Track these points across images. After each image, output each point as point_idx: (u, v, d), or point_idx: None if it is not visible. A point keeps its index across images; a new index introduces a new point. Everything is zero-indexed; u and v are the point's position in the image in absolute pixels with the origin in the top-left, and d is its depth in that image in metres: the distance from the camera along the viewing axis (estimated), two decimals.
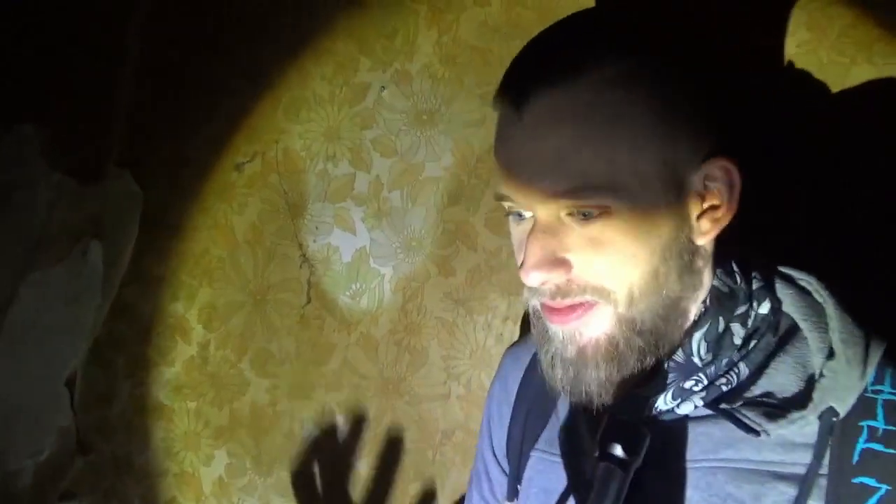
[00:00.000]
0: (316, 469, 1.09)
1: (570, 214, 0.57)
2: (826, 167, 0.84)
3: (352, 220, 1.08)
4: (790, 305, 0.62)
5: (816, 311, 0.60)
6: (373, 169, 1.08)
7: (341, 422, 1.08)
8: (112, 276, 1.24)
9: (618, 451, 0.55)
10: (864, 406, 0.56)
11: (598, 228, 0.56)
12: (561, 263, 0.58)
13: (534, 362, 0.77)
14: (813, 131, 0.84)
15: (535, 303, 0.62)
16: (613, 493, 0.54)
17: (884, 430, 0.54)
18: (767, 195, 0.82)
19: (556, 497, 0.66)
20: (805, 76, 0.86)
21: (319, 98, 1.11)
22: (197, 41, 1.19)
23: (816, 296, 0.61)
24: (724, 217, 0.60)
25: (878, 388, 0.56)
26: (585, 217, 0.56)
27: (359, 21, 1.09)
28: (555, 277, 0.58)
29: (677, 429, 0.61)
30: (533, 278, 0.58)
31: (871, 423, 0.55)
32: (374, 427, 1.07)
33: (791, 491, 0.55)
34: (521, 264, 0.59)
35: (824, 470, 0.55)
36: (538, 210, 0.58)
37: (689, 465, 0.59)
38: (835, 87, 0.85)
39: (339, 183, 1.09)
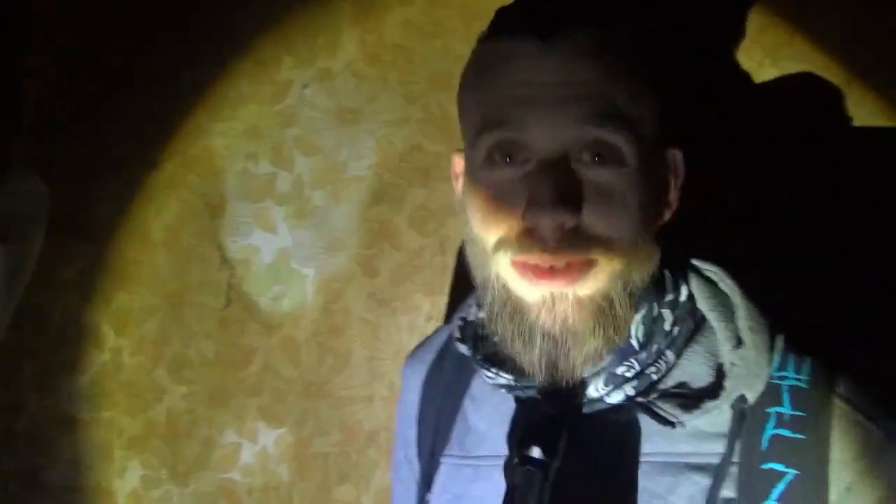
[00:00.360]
0: (237, 477, 1.06)
1: (578, 159, 0.55)
2: (737, 162, 0.87)
3: (273, 220, 1.05)
4: (700, 297, 0.62)
5: (723, 302, 0.61)
6: (295, 168, 1.06)
7: (262, 427, 1.05)
8: (17, 281, 1.18)
9: (536, 453, 0.54)
10: (770, 393, 0.57)
11: (608, 176, 0.55)
12: (575, 206, 0.54)
13: (438, 361, 0.74)
14: (725, 130, 0.88)
15: (502, 262, 0.56)
16: (535, 498, 0.53)
17: (790, 415, 0.55)
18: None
19: (470, 501, 0.64)
20: (715, 79, 0.90)
21: (241, 96, 1.08)
22: (113, 34, 1.14)
23: (723, 286, 0.62)
24: (672, 203, 0.63)
25: (783, 374, 0.58)
26: (599, 160, 0.55)
27: (282, 18, 1.07)
28: (570, 220, 0.54)
29: (597, 423, 0.60)
30: (549, 219, 0.53)
31: (779, 409, 0.56)
32: (297, 431, 1.04)
33: (705, 481, 0.56)
34: (534, 201, 0.54)
35: (735, 458, 0.56)
36: (553, 140, 0.55)
37: (602, 460, 0.59)
38: (745, 88, 0.89)
39: (260, 182, 1.06)
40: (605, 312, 0.56)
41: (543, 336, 0.56)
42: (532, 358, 0.57)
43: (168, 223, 1.10)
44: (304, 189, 1.05)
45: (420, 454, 0.73)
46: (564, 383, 0.58)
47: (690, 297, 0.62)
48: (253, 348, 1.06)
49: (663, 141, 0.61)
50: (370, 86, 1.03)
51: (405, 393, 0.78)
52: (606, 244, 0.55)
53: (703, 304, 0.62)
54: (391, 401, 1.00)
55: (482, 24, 0.66)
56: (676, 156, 0.63)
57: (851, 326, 0.79)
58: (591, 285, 0.55)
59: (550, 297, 0.56)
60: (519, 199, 0.55)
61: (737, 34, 0.88)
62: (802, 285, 0.79)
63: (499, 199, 0.57)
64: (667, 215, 0.62)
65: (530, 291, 0.56)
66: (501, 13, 0.63)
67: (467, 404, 0.69)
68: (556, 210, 0.53)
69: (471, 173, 0.60)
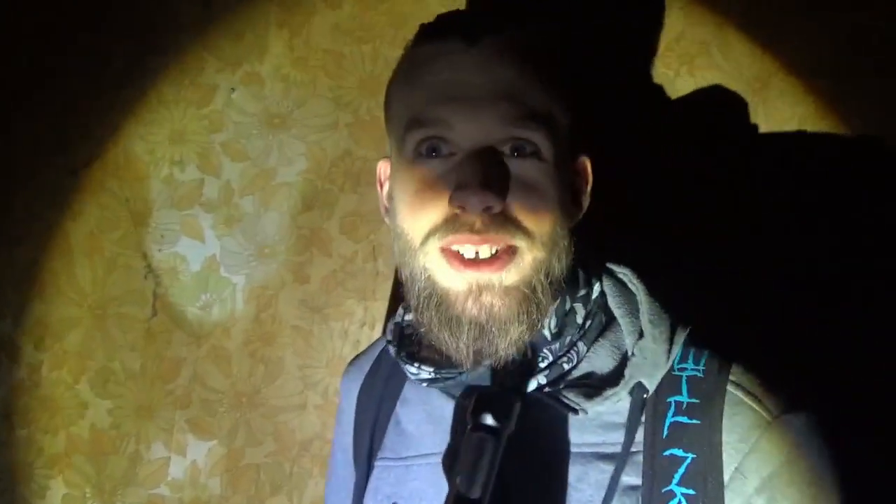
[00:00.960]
0: (165, 492, 1.03)
1: (501, 151, 0.59)
2: (653, 167, 0.90)
3: (200, 227, 1.03)
4: (610, 294, 0.66)
5: (629, 299, 0.65)
6: (223, 174, 1.04)
7: (191, 440, 1.02)
8: None
9: (489, 419, 0.55)
10: (670, 384, 0.60)
11: (528, 168, 0.59)
12: (502, 188, 0.57)
13: (375, 369, 0.76)
14: (641, 136, 0.91)
15: (431, 252, 0.59)
16: (487, 462, 0.54)
17: (688, 402, 0.59)
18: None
19: (401, 501, 0.65)
20: (636, 87, 0.93)
21: (163, 98, 1.06)
22: (24, 34, 1.09)
23: (630, 286, 0.66)
24: (584, 205, 0.67)
25: (683, 366, 0.61)
26: (519, 153, 0.59)
27: (205, 19, 1.05)
28: (497, 203, 0.57)
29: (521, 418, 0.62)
30: (477, 200, 0.56)
31: (677, 398, 0.59)
32: (228, 443, 1.02)
33: (610, 468, 0.58)
34: (462, 185, 0.56)
35: (640, 447, 0.59)
36: (478, 136, 0.58)
37: (524, 451, 0.61)
38: (662, 96, 0.92)
39: (186, 189, 1.04)
40: (528, 300, 0.59)
41: (470, 324, 0.58)
42: (459, 346, 0.59)
43: (88, 230, 1.07)
44: (232, 195, 1.03)
45: (356, 461, 0.74)
46: (490, 368, 0.60)
47: (602, 294, 0.66)
48: (181, 359, 1.04)
49: (574, 146, 0.65)
50: (299, 90, 1.02)
51: (343, 401, 0.80)
52: (529, 232, 0.59)
53: (613, 301, 0.65)
54: (325, 409, 1.00)
55: (412, 29, 0.68)
56: (586, 162, 0.68)
57: (749, 321, 0.83)
58: (515, 274, 0.58)
59: (476, 287, 0.58)
60: (446, 187, 0.58)
61: (654, 43, 0.91)
62: (706, 284, 0.83)
63: (427, 190, 0.60)
64: (578, 216, 0.67)
65: (456, 281, 0.59)
66: (429, 22, 0.66)
67: (399, 408, 0.71)
68: (483, 191, 0.56)
69: (398, 170, 0.63)
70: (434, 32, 0.63)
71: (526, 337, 0.59)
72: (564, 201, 0.62)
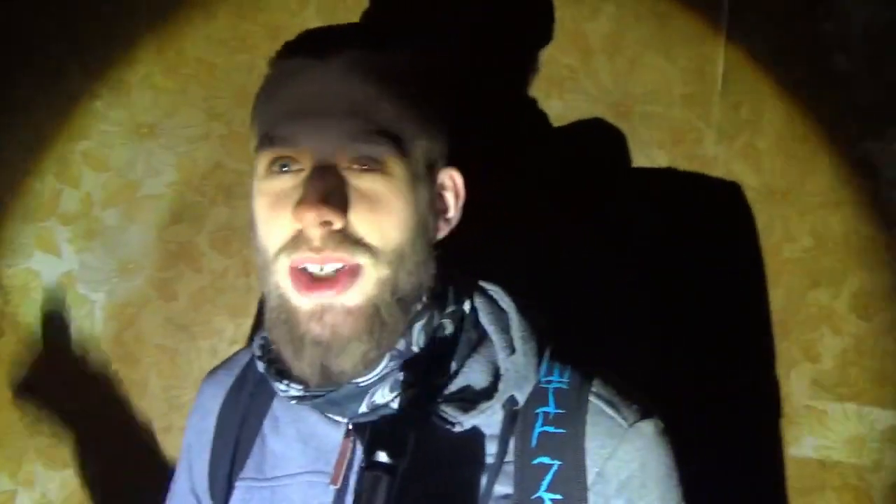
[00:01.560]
0: None
1: (347, 167, 0.59)
2: (523, 186, 0.94)
3: (56, 241, 0.97)
4: (482, 312, 0.67)
5: (501, 317, 0.67)
6: (83, 185, 0.98)
7: (41, 470, 0.95)
8: None
9: (383, 457, 0.55)
10: (538, 396, 0.63)
11: (374, 182, 0.59)
12: (340, 207, 0.58)
13: (239, 384, 0.74)
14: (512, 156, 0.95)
15: (281, 270, 0.59)
16: (382, 500, 0.54)
17: (554, 413, 0.62)
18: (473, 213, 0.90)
19: None
20: (508, 109, 0.96)
21: (20, 104, 0.99)
22: None
23: (502, 303, 0.68)
24: (452, 220, 0.68)
25: (549, 378, 0.65)
26: (366, 168, 0.59)
27: (71, 22, 1.00)
28: (335, 218, 0.57)
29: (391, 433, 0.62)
30: (312, 216, 0.56)
31: (545, 409, 0.62)
32: (83, 473, 0.96)
33: (485, 480, 0.60)
34: (301, 201, 0.57)
35: (511, 457, 0.61)
36: (328, 150, 0.59)
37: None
38: (532, 119, 0.96)
39: (41, 200, 0.98)
40: (372, 319, 0.59)
41: (313, 344, 0.59)
42: (302, 365, 0.60)
43: None
44: (93, 208, 0.98)
45: (212, 483, 0.71)
46: (343, 388, 0.61)
47: (474, 310, 0.67)
48: (32, 383, 0.97)
49: (438, 161, 0.67)
50: (169, 99, 0.99)
51: (200, 419, 0.76)
52: (372, 249, 0.59)
53: (485, 318, 0.67)
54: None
55: (288, 40, 0.68)
56: (455, 177, 0.69)
57: (609, 336, 0.89)
58: (357, 294, 0.59)
59: (320, 308, 0.59)
60: (292, 203, 0.58)
61: (525, 66, 0.96)
62: (571, 301, 0.87)
63: (276, 206, 0.60)
64: (444, 230, 0.68)
65: (302, 301, 0.59)
66: (287, 41, 0.67)
67: (267, 426, 0.70)
68: (319, 208, 0.56)
69: (256, 185, 0.63)
70: (292, 49, 0.64)
71: (373, 355, 0.60)
72: (418, 217, 0.62)
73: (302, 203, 0.57)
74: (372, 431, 0.57)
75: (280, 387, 0.64)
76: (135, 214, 0.98)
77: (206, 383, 0.78)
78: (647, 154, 0.95)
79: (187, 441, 0.77)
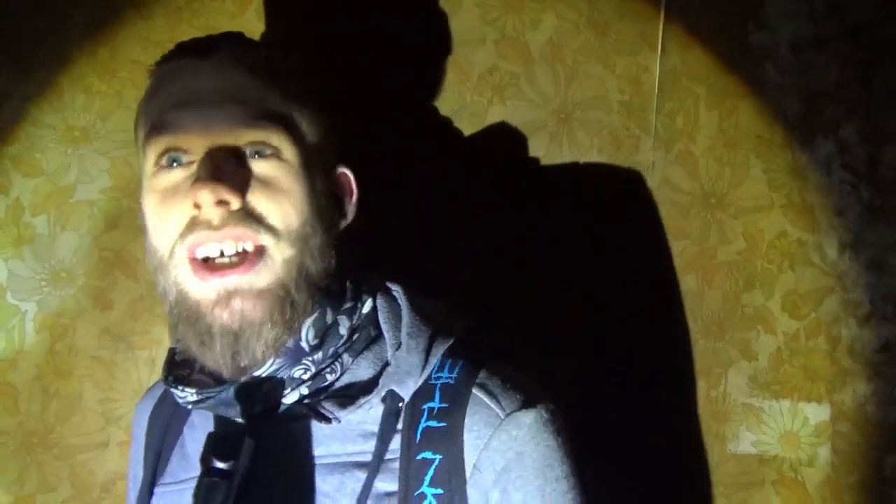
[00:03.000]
0: None
1: (243, 154, 0.60)
2: (463, 189, 0.96)
3: None
4: (380, 309, 0.69)
5: (396, 314, 0.69)
6: (12, 191, 0.96)
7: None
8: None
9: (217, 463, 0.56)
10: (425, 392, 0.64)
11: (269, 168, 0.61)
12: (237, 187, 0.58)
13: (164, 397, 0.75)
14: (456, 159, 0.97)
15: (180, 263, 0.59)
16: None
17: (438, 407, 0.63)
18: (391, 216, 0.92)
19: None
20: (452, 113, 0.99)
21: None
22: None
23: (399, 300, 0.70)
24: (348, 215, 0.71)
25: (439, 374, 0.66)
26: (259, 154, 0.61)
27: (1, 20, 0.98)
28: (232, 197, 0.58)
29: (279, 431, 0.64)
30: (208, 191, 0.56)
31: (430, 404, 0.64)
32: (17, 490, 0.93)
33: (365, 476, 0.61)
34: (196, 180, 0.58)
35: (397, 454, 0.62)
36: (219, 136, 0.60)
37: (287, 466, 0.63)
38: (476, 122, 0.99)
39: None
40: (283, 300, 0.60)
41: (222, 333, 0.59)
42: (214, 356, 0.60)
43: None
44: (23, 214, 0.96)
45: (141, 491, 0.72)
46: (231, 388, 0.61)
47: (374, 308, 0.69)
48: None
49: (331, 156, 0.69)
50: (103, 102, 0.97)
51: (134, 429, 0.78)
52: (273, 229, 0.60)
53: (382, 316, 0.69)
54: (129, 445, 0.94)
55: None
56: (347, 175, 0.72)
57: (545, 341, 0.93)
58: (266, 275, 0.60)
59: (225, 293, 0.59)
60: (187, 195, 0.59)
61: (469, 73, 0.98)
62: (508, 306, 0.90)
63: (168, 199, 0.61)
64: (341, 224, 0.70)
65: (205, 290, 0.59)
66: (165, 53, 0.69)
67: (186, 433, 0.71)
68: (215, 184, 0.57)
69: (145, 187, 0.63)
70: (171, 54, 0.66)
71: (284, 338, 0.61)
72: (315, 203, 0.64)
73: (197, 181, 0.58)
74: (209, 436, 0.57)
75: (178, 394, 0.65)
76: (67, 221, 0.96)
77: (137, 405, 0.79)
78: (586, 159, 0.99)
79: (130, 455, 0.78)
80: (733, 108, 0.99)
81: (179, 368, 0.66)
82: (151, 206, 0.61)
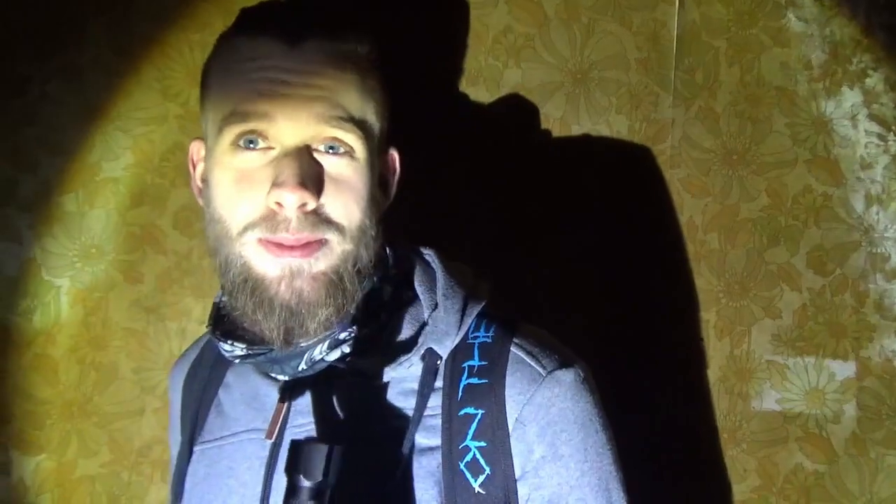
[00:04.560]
0: None
1: (316, 150, 0.65)
2: (483, 155, 0.99)
3: (16, 228, 1.00)
4: (416, 273, 0.73)
5: (430, 277, 0.73)
6: (40, 170, 1.01)
7: (16, 456, 1.00)
8: None
9: (304, 482, 0.53)
10: (465, 351, 0.69)
11: (341, 165, 0.66)
12: (317, 190, 0.64)
13: (200, 357, 0.80)
14: (473, 123, 0.99)
15: (248, 241, 0.64)
16: None
17: (478, 365, 0.67)
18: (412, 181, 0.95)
19: (217, 480, 0.71)
20: (468, 78, 1.01)
21: None
22: None
23: (433, 264, 0.74)
24: (390, 196, 0.75)
25: (476, 334, 0.70)
26: (334, 151, 0.65)
27: (18, 5, 1.02)
28: (312, 201, 0.63)
29: (321, 389, 0.69)
30: (294, 198, 0.62)
31: (470, 362, 0.68)
32: (58, 456, 1.01)
33: (407, 431, 0.66)
34: (284, 182, 0.62)
35: (438, 410, 0.66)
36: (296, 133, 0.64)
37: (333, 420, 0.68)
38: (492, 86, 1.00)
39: None
40: (335, 286, 0.65)
41: (281, 307, 0.64)
42: (271, 326, 0.65)
43: None
44: (52, 194, 1.01)
45: (181, 449, 0.77)
46: (296, 348, 0.66)
47: (408, 272, 0.73)
48: (2, 371, 1.01)
49: (385, 142, 0.73)
50: (123, 80, 1.01)
51: (171, 392, 0.83)
52: (340, 227, 0.65)
53: (417, 279, 0.73)
54: (164, 412, 1.00)
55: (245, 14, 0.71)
56: (394, 156, 0.76)
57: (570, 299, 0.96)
58: (323, 262, 0.65)
59: (289, 272, 0.64)
60: (264, 182, 0.64)
61: (484, 36, 1.00)
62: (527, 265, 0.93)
63: (245, 182, 0.65)
64: (386, 205, 0.75)
65: (271, 266, 0.64)
66: (247, 12, 0.71)
67: (221, 393, 0.76)
68: (301, 190, 0.62)
69: (216, 157, 0.67)
70: (256, 27, 0.67)
71: (334, 318, 0.66)
72: (374, 195, 0.69)
73: (282, 184, 0.62)
74: (293, 447, 0.55)
75: (225, 347, 0.70)
76: (94, 198, 1.01)
77: (176, 361, 0.85)
78: (605, 119, 1.00)
79: (170, 419, 0.84)
80: (754, 62, 0.99)
81: (225, 324, 0.71)
82: (225, 183, 0.66)
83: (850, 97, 0.99)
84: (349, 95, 0.66)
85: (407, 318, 0.71)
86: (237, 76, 0.66)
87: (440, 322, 0.69)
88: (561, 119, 1.01)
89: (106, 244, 1.01)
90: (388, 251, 0.73)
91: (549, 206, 1.01)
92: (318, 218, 0.64)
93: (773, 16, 0.99)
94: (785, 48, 0.99)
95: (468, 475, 0.64)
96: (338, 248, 0.65)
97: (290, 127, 0.64)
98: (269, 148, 0.65)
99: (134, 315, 1.01)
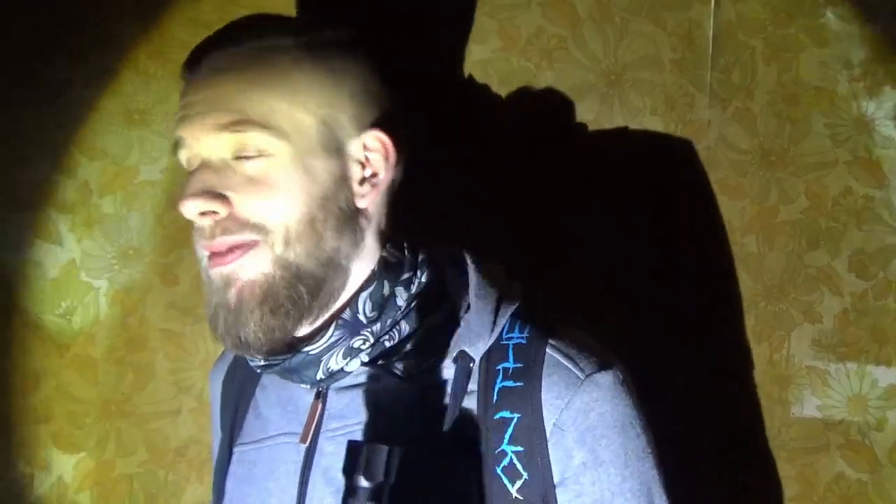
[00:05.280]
0: None
1: (234, 157, 0.66)
2: (513, 157, 1.00)
3: (56, 230, 1.04)
4: (448, 274, 0.74)
5: (463, 278, 0.73)
6: (79, 173, 1.05)
7: (56, 455, 1.03)
8: None
9: (363, 482, 0.55)
10: (499, 352, 0.69)
11: (257, 167, 0.65)
12: (219, 197, 0.65)
13: (236, 360, 0.82)
14: (506, 126, 1.00)
15: (202, 253, 0.67)
16: None
17: (513, 367, 0.68)
18: (445, 183, 0.96)
19: (257, 482, 0.72)
20: (500, 78, 1.02)
21: (7, 96, 1.05)
22: None
23: (464, 264, 0.74)
24: (381, 183, 0.71)
25: (510, 335, 0.70)
26: (245, 156, 0.66)
27: (56, 10, 1.05)
28: (214, 207, 0.64)
29: (351, 395, 0.70)
30: (190, 207, 0.64)
31: (505, 364, 0.68)
32: (97, 455, 1.04)
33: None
34: (181, 195, 0.65)
35: (473, 413, 0.67)
36: (204, 146, 0.66)
37: (360, 427, 0.69)
38: (525, 88, 1.01)
39: (38, 190, 1.04)
40: (266, 293, 0.65)
41: (225, 311, 0.66)
42: (221, 332, 0.67)
43: None
44: (91, 196, 1.05)
45: (220, 450, 0.80)
46: (295, 357, 0.68)
47: (436, 275, 0.73)
48: (41, 371, 1.04)
49: (348, 129, 0.70)
50: (159, 84, 1.04)
51: (211, 392, 0.86)
52: (263, 229, 0.65)
53: (448, 279, 0.73)
54: (200, 412, 1.03)
55: None
56: (381, 138, 0.71)
57: (598, 301, 0.96)
58: (251, 269, 0.65)
59: (223, 281, 0.66)
60: None
61: (515, 37, 1.01)
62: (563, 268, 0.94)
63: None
64: (373, 195, 0.71)
65: (212, 278, 0.67)
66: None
67: (259, 394, 0.78)
68: (192, 199, 0.65)
69: None
70: (182, 67, 0.72)
71: (274, 325, 0.66)
72: (316, 191, 0.67)
73: (182, 197, 0.65)
74: (350, 448, 0.57)
75: (249, 358, 0.71)
76: (133, 201, 1.04)
77: (211, 372, 0.87)
78: (639, 121, 1.01)
79: (212, 420, 0.87)
80: (793, 61, 0.99)
81: None
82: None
83: (893, 97, 0.98)
84: (248, 97, 0.66)
85: (439, 319, 0.72)
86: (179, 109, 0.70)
87: (473, 323, 0.69)
88: (594, 120, 1.01)
89: (144, 246, 1.04)
90: (405, 254, 0.72)
91: (581, 207, 1.01)
92: (235, 222, 0.65)
93: (812, 14, 0.98)
94: (824, 47, 0.98)
95: (505, 480, 0.64)
96: (267, 250, 0.65)
97: (196, 145, 0.67)
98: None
99: (170, 316, 1.04)
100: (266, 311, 0.65)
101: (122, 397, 1.04)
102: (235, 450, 0.77)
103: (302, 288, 0.66)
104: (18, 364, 1.04)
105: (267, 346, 0.66)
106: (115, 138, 1.04)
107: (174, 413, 1.04)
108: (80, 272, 1.04)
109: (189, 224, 1.04)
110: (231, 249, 0.65)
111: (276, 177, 0.65)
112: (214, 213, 0.65)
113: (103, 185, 1.04)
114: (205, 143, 0.66)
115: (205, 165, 0.66)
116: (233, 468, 0.76)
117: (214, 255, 0.66)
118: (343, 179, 0.69)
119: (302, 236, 0.66)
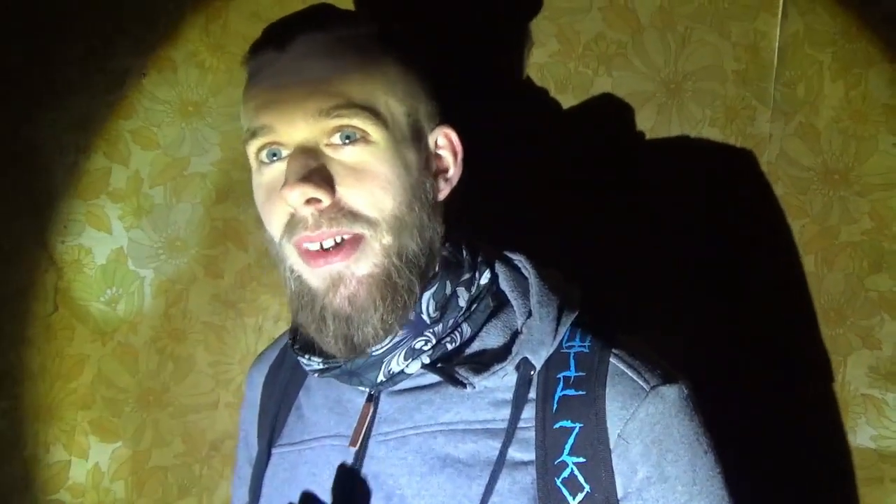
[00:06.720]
0: (66, 498, 1.06)
1: (329, 144, 0.65)
2: (571, 162, 1.00)
3: (107, 218, 1.07)
4: (503, 279, 0.74)
5: (522, 284, 0.73)
6: (131, 163, 1.08)
7: (94, 442, 1.06)
8: None
9: None
10: (559, 361, 0.69)
11: (358, 153, 0.65)
12: (325, 184, 0.63)
13: (280, 359, 0.83)
14: (560, 132, 1.01)
15: (291, 253, 0.66)
16: None
17: (574, 376, 0.67)
18: (500, 187, 0.97)
19: (298, 485, 0.72)
20: (556, 82, 1.02)
21: (69, 83, 1.09)
22: None
23: (524, 271, 0.74)
24: (453, 178, 0.73)
25: (571, 343, 0.70)
26: (348, 140, 0.65)
27: (117, 1, 1.09)
28: (320, 195, 0.63)
29: (404, 399, 0.70)
30: (297, 194, 0.62)
31: (566, 373, 0.67)
32: (134, 444, 1.06)
33: (499, 444, 0.66)
34: (284, 184, 0.63)
35: (531, 423, 0.66)
36: (301, 133, 0.65)
37: (413, 431, 0.69)
38: (581, 94, 1.02)
39: (91, 178, 1.08)
40: (385, 285, 0.65)
41: (334, 318, 0.65)
42: (328, 339, 0.66)
43: None
44: (142, 185, 1.07)
45: (258, 451, 0.80)
46: (370, 358, 0.68)
47: (494, 279, 0.74)
48: (84, 357, 1.07)
49: (426, 122, 0.72)
50: (215, 77, 1.07)
51: (248, 391, 0.86)
52: (369, 219, 0.65)
53: (506, 285, 0.73)
54: (237, 407, 1.05)
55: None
56: (449, 134, 0.74)
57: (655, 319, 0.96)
58: (364, 262, 0.65)
59: (331, 281, 0.65)
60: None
61: (574, 42, 1.01)
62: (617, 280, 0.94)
63: (270, 194, 0.67)
64: (446, 190, 0.73)
65: (315, 278, 0.66)
66: (252, 42, 0.73)
67: (302, 396, 0.78)
68: (301, 185, 0.63)
69: (253, 181, 0.70)
70: (256, 47, 0.71)
71: (392, 320, 0.66)
72: (411, 180, 0.68)
73: (284, 185, 0.63)
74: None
75: (304, 361, 0.72)
76: (182, 192, 1.07)
77: (254, 362, 0.88)
78: (698, 132, 1.00)
79: (242, 415, 0.87)
80: (861, 77, 0.98)
81: (303, 337, 0.72)
82: (259, 201, 0.69)
83: None
84: (349, 81, 0.66)
85: (499, 325, 0.72)
86: (247, 98, 0.70)
87: (535, 331, 0.69)
88: (651, 130, 1.01)
89: (190, 238, 1.07)
90: (464, 254, 0.73)
91: (636, 220, 1.01)
92: (340, 212, 0.64)
93: (882, 28, 0.97)
94: (893, 64, 0.97)
95: (565, 492, 0.63)
96: (374, 243, 0.65)
97: (292, 130, 0.65)
98: (287, 156, 0.67)
99: (213, 309, 1.06)
100: (387, 305, 0.65)
101: (161, 388, 1.06)
102: (274, 451, 0.77)
103: (413, 277, 0.67)
104: (62, 350, 1.07)
105: (376, 345, 0.66)
106: (168, 129, 1.07)
107: (212, 406, 1.06)
108: (127, 260, 1.07)
109: (236, 218, 1.08)
110: (337, 246, 0.64)
111: (377, 165, 0.65)
112: (318, 201, 0.64)
113: (154, 175, 1.07)
114: (302, 128, 0.65)
115: (301, 152, 0.65)
116: (271, 470, 0.76)
117: (315, 254, 0.65)
118: (427, 171, 0.70)
119: (405, 222, 0.66)
